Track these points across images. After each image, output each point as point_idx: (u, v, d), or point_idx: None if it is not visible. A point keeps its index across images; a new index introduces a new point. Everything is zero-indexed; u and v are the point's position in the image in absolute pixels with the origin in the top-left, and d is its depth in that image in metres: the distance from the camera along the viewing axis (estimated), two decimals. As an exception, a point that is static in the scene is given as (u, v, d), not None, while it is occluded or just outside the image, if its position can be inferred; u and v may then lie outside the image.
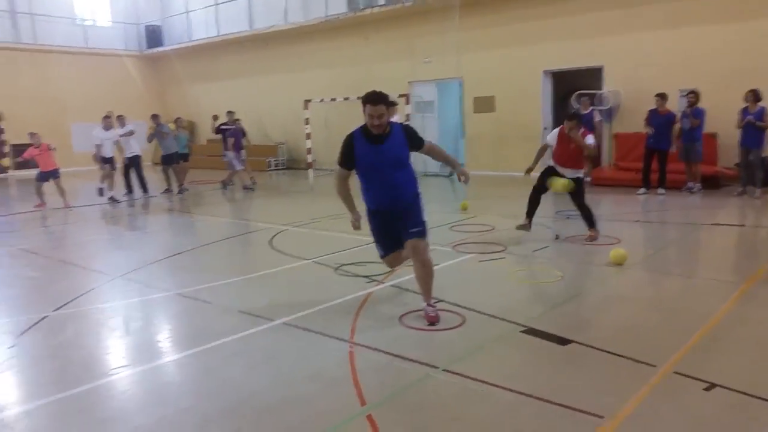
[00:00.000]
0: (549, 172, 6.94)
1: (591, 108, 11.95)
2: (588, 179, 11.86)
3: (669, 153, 10.31)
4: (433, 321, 4.30)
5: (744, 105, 9.62)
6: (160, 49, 22.46)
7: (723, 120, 10.38)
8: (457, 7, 14.50)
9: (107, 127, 12.03)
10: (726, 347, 3.75)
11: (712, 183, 10.59)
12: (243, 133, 13.86)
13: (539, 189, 7.08)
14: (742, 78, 10.49)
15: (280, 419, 3.03)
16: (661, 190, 10.26)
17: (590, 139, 6.71)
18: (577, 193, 6.82)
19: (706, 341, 3.83)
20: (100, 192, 12.03)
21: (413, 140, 4.36)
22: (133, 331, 4.46)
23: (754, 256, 6.42)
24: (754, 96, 9.43)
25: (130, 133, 12.19)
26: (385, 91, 4.29)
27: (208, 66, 21.45)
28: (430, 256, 4.36)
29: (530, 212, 7.16)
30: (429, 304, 4.38)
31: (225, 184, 13.78)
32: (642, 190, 10.41)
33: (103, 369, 3.74)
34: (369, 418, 3.01)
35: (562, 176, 6.81)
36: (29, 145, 11.46)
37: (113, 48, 22.22)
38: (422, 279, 4.37)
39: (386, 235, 4.51)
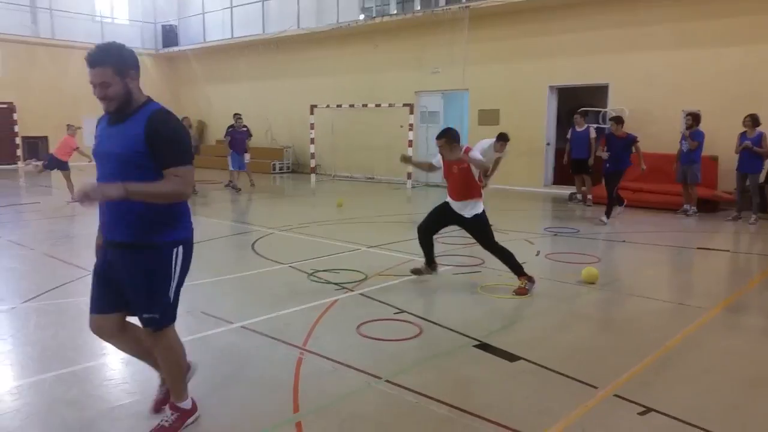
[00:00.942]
0: (440, 210, 5.67)
1: (586, 125, 11.89)
2: (590, 196, 11.76)
3: (624, 173, 9.61)
4: None
5: (743, 130, 9.52)
6: (175, 48, 22.78)
7: (725, 143, 10.25)
8: (467, 19, 14.56)
9: None
10: (673, 373, 3.71)
11: (710, 206, 10.47)
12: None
13: (428, 229, 5.74)
14: (748, 102, 10.38)
15: (210, 420, 3.06)
16: (618, 209, 9.91)
17: (476, 153, 5.34)
18: (481, 233, 5.47)
19: (656, 366, 3.80)
20: None
21: (155, 142, 2.54)
22: (95, 326, 4.51)
23: (731, 282, 6.35)
24: (753, 121, 9.32)
25: None
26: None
27: (220, 67, 21.70)
28: (172, 343, 2.84)
29: (428, 255, 5.81)
30: (172, 406, 2.92)
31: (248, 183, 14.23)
32: (618, 209, 9.93)
33: (51, 365, 3.78)
34: (298, 425, 3.03)
35: (457, 214, 5.48)
36: (38, 137, 11.65)
37: (130, 45, 22.42)
38: (163, 368, 2.94)
39: (99, 281, 2.84)
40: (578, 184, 12.11)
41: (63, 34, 20.56)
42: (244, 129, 13.91)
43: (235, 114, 14.24)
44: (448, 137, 5.31)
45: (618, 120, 9.60)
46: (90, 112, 20.45)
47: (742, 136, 9.46)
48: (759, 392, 3.49)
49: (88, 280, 5.69)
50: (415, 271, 5.84)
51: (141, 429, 2.96)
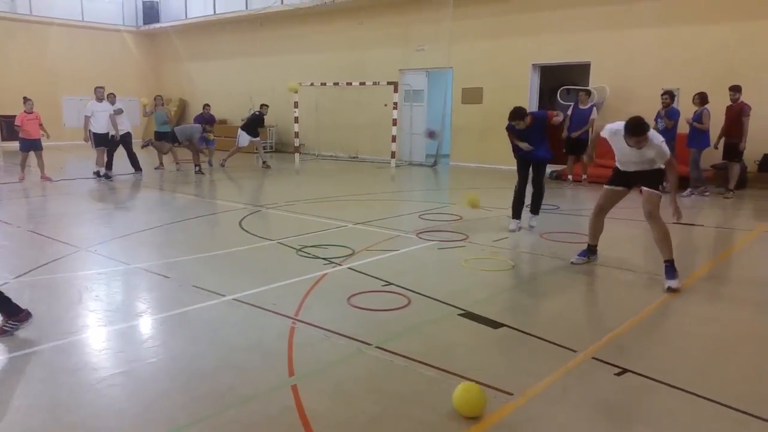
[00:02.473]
0: None
1: (590, 105, 11.79)
2: (584, 176, 11.70)
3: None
4: None
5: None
6: (157, 25, 22.45)
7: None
8: (452, -4, 14.56)
9: (100, 98, 11.65)
10: (648, 338, 3.91)
11: (686, 183, 10.72)
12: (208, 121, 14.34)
13: None
14: (727, 79, 10.55)
15: (209, 384, 3.19)
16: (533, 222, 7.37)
17: None
18: None
19: (632, 331, 4.00)
20: (97, 174, 11.72)
21: None
22: (88, 300, 4.59)
23: (702, 254, 6.63)
24: (700, 99, 9.95)
25: (119, 112, 11.89)
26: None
27: (202, 44, 21.45)
28: None
29: None
30: None
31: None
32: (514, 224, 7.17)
33: (50, 336, 3.86)
34: (293, 387, 3.17)
35: None
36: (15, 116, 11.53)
37: (110, 22, 22.23)
38: None
39: None
40: (570, 165, 11.85)
41: (41, 10, 20.16)
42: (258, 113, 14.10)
43: (263, 105, 14.55)
44: None
45: (518, 115, 7.03)
46: (70, 91, 20.34)
47: (694, 113, 10.09)
48: (726, 353, 3.71)
49: (78, 256, 5.82)
50: None
51: (144, 392, 3.10)
